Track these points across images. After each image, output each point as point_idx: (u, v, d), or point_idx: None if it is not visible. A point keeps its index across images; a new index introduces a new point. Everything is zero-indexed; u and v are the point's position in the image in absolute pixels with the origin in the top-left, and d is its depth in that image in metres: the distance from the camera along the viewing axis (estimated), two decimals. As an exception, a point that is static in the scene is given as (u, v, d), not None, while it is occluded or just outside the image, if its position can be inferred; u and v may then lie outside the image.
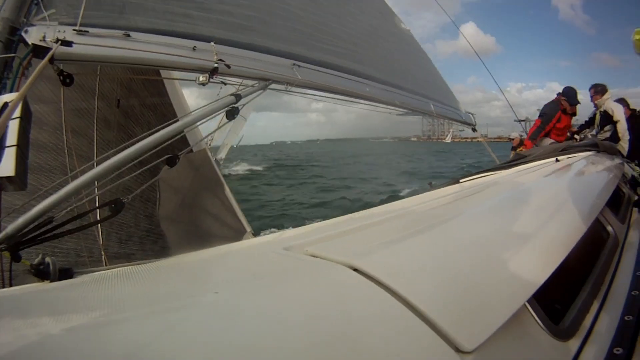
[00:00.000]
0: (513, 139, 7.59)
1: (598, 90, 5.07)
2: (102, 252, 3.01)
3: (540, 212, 1.33)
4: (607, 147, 3.01)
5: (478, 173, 2.48)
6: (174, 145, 1.66)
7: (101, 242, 3.02)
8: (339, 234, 1.03)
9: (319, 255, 0.82)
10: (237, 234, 3.14)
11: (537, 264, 0.92)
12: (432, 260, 0.84)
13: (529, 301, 0.81)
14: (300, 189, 19.01)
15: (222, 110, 1.78)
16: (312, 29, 2.89)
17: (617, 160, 2.95)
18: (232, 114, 1.81)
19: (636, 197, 2.11)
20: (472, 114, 5.05)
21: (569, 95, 5.06)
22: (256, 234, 3.26)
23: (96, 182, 1.44)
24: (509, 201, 1.46)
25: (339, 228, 1.09)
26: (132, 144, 1.48)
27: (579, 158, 2.51)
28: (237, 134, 30.41)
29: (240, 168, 30.13)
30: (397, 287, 0.65)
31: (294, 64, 2.27)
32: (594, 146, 2.89)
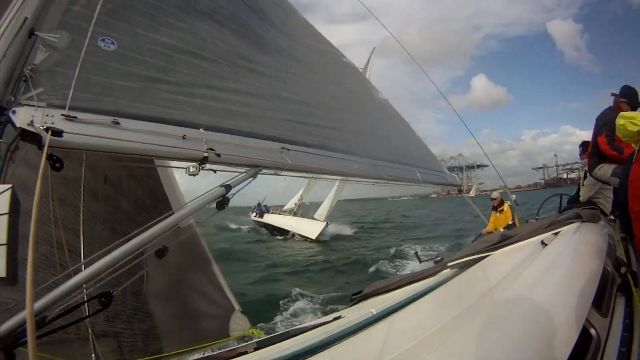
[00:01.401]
0: (494, 199, 7.80)
1: (585, 149, 4.84)
2: (90, 331, 2.91)
3: (525, 332, 1.29)
4: (589, 216, 3.04)
5: (466, 256, 2.50)
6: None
7: (88, 320, 2.94)
8: None
9: None
10: (226, 312, 3.08)
11: None
12: None
13: None
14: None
15: (213, 202, 1.80)
16: (296, 110, 2.98)
17: (601, 229, 2.98)
18: (222, 204, 1.84)
19: (619, 280, 2.03)
20: (457, 175, 5.16)
21: (629, 95, 4.14)
22: (244, 311, 3.19)
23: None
24: (495, 323, 1.40)
25: None
26: (126, 240, 1.48)
27: (564, 240, 2.48)
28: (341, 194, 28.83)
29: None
30: None
31: (282, 148, 2.31)
32: (578, 217, 2.93)
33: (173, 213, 1.70)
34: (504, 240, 2.60)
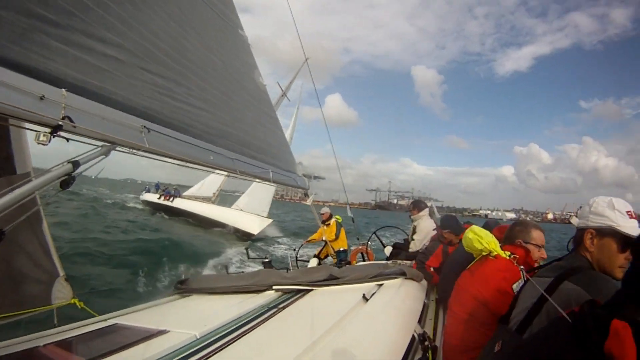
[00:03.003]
0: (323, 214, 8.82)
1: (415, 206, 5.54)
2: None
3: None
4: (413, 275, 3.32)
5: (292, 284, 2.73)
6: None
7: None
8: None
9: None
10: (50, 278, 2.86)
11: None
12: None
13: None
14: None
15: (58, 180, 1.75)
16: (170, 79, 2.96)
17: (421, 289, 3.26)
18: (67, 182, 1.78)
19: (421, 354, 2.20)
20: (306, 178, 5.60)
21: (451, 225, 4.59)
22: (69, 278, 3.03)
23: None
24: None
25: None
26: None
27: (385, 299, 2.66)
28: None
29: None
30: None
31: (143, 126, 2.32)
32: (402, 273, 3.20)
33: (13, 189, 1.62)
34: (330, 279, 2.87)
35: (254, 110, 4.49)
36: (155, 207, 28.47)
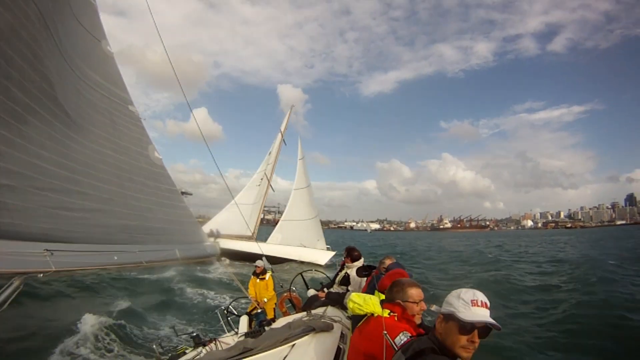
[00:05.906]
0: (258, 267, 8.89)
1: (349, 254, 6.07)
2: None
3: None
4: (322, 327, 3.59)
5: None
6: None
7: None
8: None
9: None
10: None
11: None
12: None
13: None
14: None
15: None
16: (63, 190, 3.16)
17: (333, 338, 3.49)
18: None
19: None
20: (216, 242, 5.94)
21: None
22: None
23: None
24: None
25: None
26: None
27: (296, 358, 2.98)
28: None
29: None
30: None
31: (46, 250, 2.55)
32: (311, 330, 3.47)
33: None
34: (246, 351, 3.15)
35: (151, 192, 4.70)
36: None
